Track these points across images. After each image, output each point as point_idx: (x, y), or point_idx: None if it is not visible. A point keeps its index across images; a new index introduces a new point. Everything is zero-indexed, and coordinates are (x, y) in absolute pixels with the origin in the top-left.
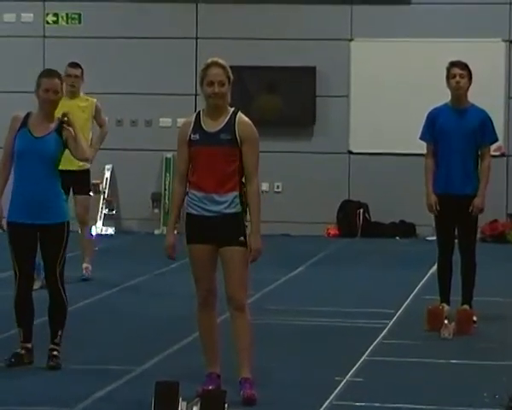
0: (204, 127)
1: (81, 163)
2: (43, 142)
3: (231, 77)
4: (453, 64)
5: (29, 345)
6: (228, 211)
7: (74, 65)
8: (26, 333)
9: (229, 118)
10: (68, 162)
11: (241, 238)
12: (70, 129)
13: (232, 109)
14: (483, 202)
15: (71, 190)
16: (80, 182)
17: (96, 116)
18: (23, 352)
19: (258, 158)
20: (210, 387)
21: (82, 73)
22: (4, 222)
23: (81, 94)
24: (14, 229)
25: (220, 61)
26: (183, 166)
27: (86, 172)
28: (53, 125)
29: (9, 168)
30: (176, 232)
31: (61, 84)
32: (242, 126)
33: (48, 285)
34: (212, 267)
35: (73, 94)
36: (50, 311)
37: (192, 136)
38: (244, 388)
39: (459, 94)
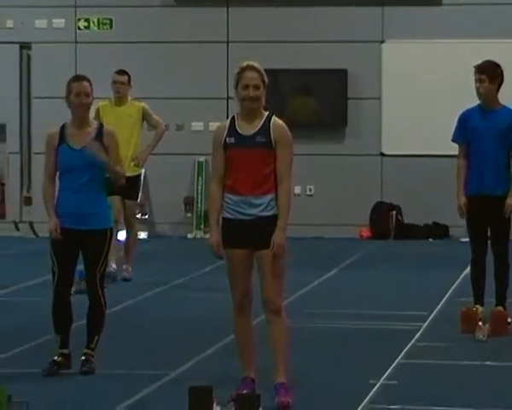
0: (239, 131)
1: (133, 168)
2: (84, 154)
3: (266, 80)
4: (475, 68)
5: (66, 351)
6: (264, 214)
7: (120, 72)
8: (63, 339)
9: (264, 121)
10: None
11: None
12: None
13: (267, 113)
14: None
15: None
16: (131, 188)
17: (147, 119)
18: (60, 358)
19: (292, 161)
20: (244, 391)
21: (129, 79)
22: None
23: (129, 99)
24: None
25: (255, 64)
26: (221, 169)
27: (137, 179)
28: (91, 131)
29: (54, 186)
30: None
31: (91, 87)
32: (277, 129)
33: (88, 290)
34: (247, 272)
35: (120, 100)
36: (89, 316)
37: (227, 139)
38: (279, 393)
39: (483, 98)
